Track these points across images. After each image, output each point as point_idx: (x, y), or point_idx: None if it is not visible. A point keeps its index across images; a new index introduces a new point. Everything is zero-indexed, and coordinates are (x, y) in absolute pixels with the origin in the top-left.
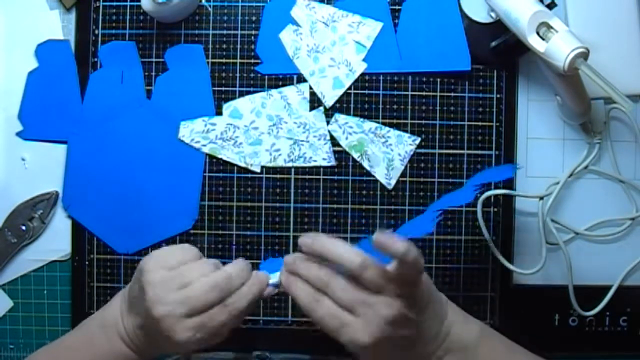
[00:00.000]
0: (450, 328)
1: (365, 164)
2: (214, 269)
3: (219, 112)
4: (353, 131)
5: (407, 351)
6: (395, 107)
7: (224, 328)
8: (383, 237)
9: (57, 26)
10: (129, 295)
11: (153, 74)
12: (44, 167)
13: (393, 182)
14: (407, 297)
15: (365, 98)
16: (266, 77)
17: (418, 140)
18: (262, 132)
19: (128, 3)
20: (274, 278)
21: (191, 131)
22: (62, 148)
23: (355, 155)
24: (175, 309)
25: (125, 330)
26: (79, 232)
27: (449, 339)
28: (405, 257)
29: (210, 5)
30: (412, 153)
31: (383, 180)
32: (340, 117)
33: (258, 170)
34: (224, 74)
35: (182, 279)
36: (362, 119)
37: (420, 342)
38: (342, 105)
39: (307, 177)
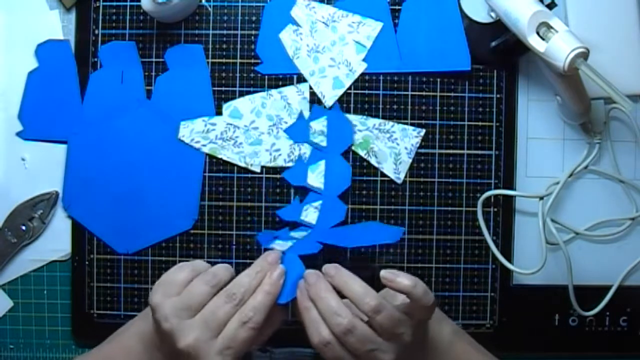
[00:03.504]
0: (427, 327)
1: (373, 161)
2: (215, 278)
3: (219, 112)
4: (357, 129)
5: None
6: (395, 107)
7: (252, 342)
8: (389, 274)
9: (57, 26)
10: (153, 337)
11: (153, 74)
12: (44, 167)
13: (402, 176)
14: (409, 343)
15: (365, 98)
16: (266, 77)
17: (423, 132)
18: (262, 132)
19: (128, 3)
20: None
21: (191, 131)
22: (62, 148)
23: (362, 153)
24: (198, 335)
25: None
26: (79, 232)
27: (424, 337)
28: (413, 291)
29: (210, 5)
30: (418, 145)
31: (392, 175)
32: None
33: (258, 170)
34: (224, 74)
35: (191, 301)
36: (365, 117)
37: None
38: (342, 105)
39: None
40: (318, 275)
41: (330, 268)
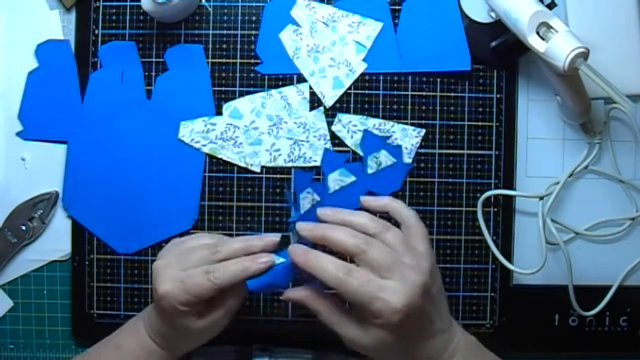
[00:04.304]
0: (457, 328)
1: None
2: (220, 240)
3: (219, 112)
4: (357, 129)
5: (423, 339)
6: (395, 107)
7: (204, 293)
8: (365, 199)
9: (57, 26)
10: None
11: (153, 74)
12: (44, 167)
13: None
14: (428, 267)
15: (365, 98)
16: (266, 77)
17: (423, 132)
18: (262, 132)
19: (128, 3)
20: (279, 260)
21: (191, 131)
22: (62, 148)
23: (363, 153)
24: (170, 261)
25: (147, 315)
26: (79, 232)
27: (457, 338)
28: (393, 204)
29: (210, 5)
30: (418, 145)
31: None
32: (344, 117)
33: (258, 170)
34: (224, 74)
35: (186, 245)
36: (365, 117)
37: (432, 333)
38: (342, 105)
39: None
40: (310, 229)
41: (326, 209)
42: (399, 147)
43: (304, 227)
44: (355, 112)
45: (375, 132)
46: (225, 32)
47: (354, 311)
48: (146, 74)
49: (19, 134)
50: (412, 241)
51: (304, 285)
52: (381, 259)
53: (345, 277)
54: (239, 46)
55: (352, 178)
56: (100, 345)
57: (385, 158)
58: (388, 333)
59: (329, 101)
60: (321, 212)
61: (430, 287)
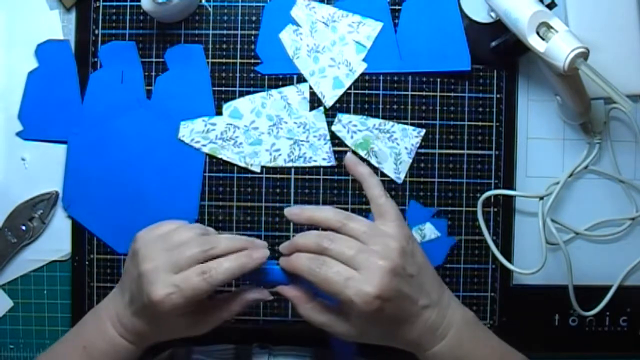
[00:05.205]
0: (451, 302)
1: (373, 161)
2: (204, 231)
3: (219, 112)
4: (357, 129)
5: (409, 319)
6: (395, 107)
7: (201, 294)
8: (352, 159)
9: (57, 26)
10: (122, 279)
11: (153, 74)
12: (44, 167)
13: (402, 175)
14: (398, 248)
15: (365, 98)
16: (266, 77)
17: (423, 132)
18: (262, 132)
19: (128, 3)
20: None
21: (191, 131)
22: (62, 148)
23: (362, 153)
24: (160, 263)
25: (117, 317)
26: (79, 232)
27: (451, 313)
28: (370, 179)
29: (210, 5)
30: (418, 145)
31: (392, 175)
32: (344, 117)
33: (258, 170)
34: (224, 74)
35: (171, 241)
36: (365, 117)
37: (416, 312)
38: (342, 105)
39: (307, 177)
40: (286, 245)
41: (294, 209)
42: (445, 220)
43: (282, 245)
44: (355, 112)
45: (375, 132)
46: (225, 32)
47: (338, 307)
48: (146, 74)
49: (19, 134)
50: (381, 223)
51: (296, 285)
52: (345, 251)
53: (319, 268)
54: (239, 46)
55: None
56: (62, 347)
57: (430, 231)
58: (369, 321)
59: (329, 101)
60: (289, 212)
61: (403, 268)
